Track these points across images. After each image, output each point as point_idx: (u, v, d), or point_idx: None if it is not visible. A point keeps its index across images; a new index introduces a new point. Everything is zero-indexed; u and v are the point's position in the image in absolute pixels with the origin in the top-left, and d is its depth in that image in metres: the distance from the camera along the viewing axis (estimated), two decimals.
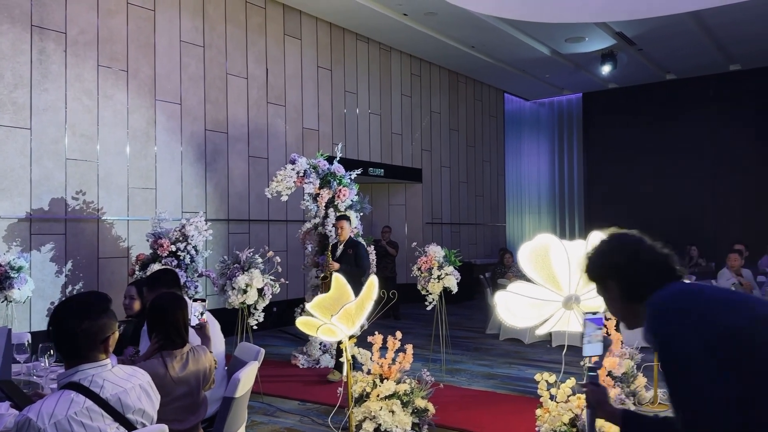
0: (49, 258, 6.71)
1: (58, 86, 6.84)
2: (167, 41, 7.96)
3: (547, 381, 4.14)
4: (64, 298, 2.09)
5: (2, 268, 5.39)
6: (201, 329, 3.08)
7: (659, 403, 5.11)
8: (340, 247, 6.36)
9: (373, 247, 7.07)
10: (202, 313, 3.07)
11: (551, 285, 3.54)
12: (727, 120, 13.81)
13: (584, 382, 2.03)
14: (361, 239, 6.73)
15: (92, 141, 7.13)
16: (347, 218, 6.49)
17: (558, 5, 9.94)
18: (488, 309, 8.92)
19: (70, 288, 6.85)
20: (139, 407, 2.07)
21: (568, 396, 4.04)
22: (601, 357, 2.22)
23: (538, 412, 4.14)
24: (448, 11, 9.74)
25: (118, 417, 1.98)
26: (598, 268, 1.79)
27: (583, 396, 2.20)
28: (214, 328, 3.60)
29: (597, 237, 2.84)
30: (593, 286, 1.89)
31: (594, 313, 2.42)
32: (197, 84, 8.30)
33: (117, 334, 2.11)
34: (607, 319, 5.05)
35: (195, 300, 3.12)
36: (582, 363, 2.19)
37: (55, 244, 6.77)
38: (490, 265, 10.78)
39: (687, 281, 1.74)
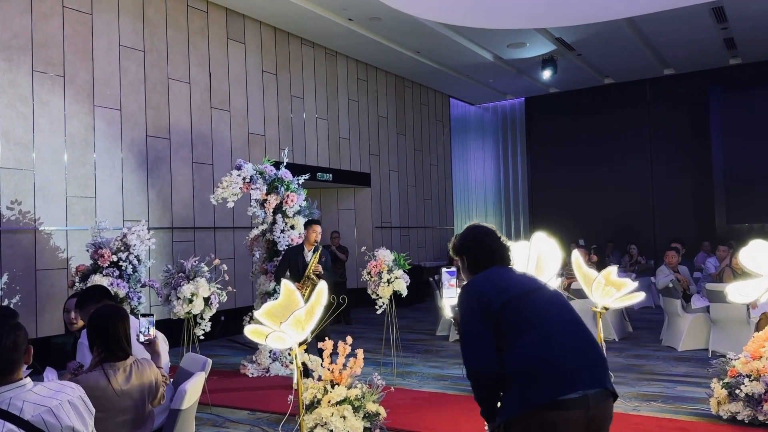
0: None
1: None
2: (106, 45, 7.73)
3: None
4: None
5: None
6: (150, 345, 2.99)
7: None
8: (310, 253, 6.25)
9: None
10: (148, 329, 2.97)
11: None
12: (663, 122, 14.41)
13: (453, 315, 2.74)
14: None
15: (28, 149, 6.85)
16: (318, 222, 6.43)
17: (499, 12, 10.16)
18: (438, 311, 9.01)
19: (6, 302, 6.54)
20: (68, 424, 1.96)
21: None
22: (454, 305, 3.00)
23: None
24: (393, 17, 9.81)
25: None
26: (458, 246, 2.56)
27: None
28: (162, 342, 3.51)
29: (539, 238, 3.13)
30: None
31: (451, 270, 3.40)
32: (137, 89, 8.09)
33: (31, 351, 2.01)
34: None
35: (143, 315, 3.02)
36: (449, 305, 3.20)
37: None
38: (439, 268, 10.90)
39: (503, 267, 2.46)
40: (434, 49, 11.64)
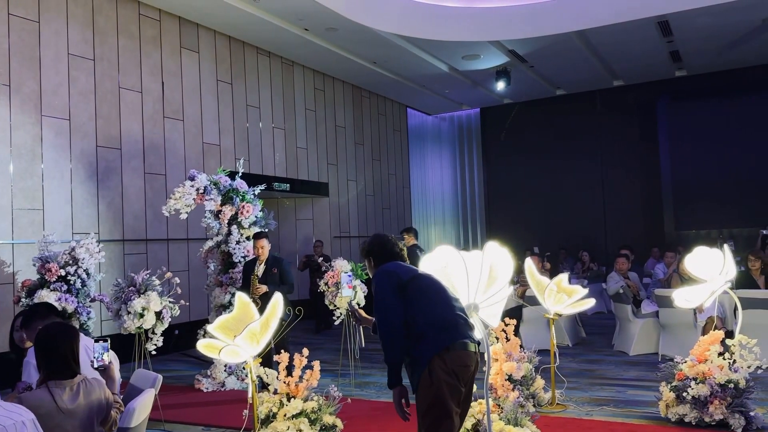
0: None
1: None
2: (54, 54, 7.53)
3: None
4: None
5: None
6: (104, 371, 2.89)
7: (557, 403, 5.36)
8: (261, 267, 6.16)
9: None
10: (102, 354, 2.88)
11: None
12: (614, 131, 14.83)
13: (350, 309, 3.65)
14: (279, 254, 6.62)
15: None
16: (266, 236, 6.32)
17: (454, 24, 10.31)
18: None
19: None
20: None
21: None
22: (352, 296, 3.93)
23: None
24: (349, 27, 9.84)
25: None
26: (366, 250, 3.40)
27: (483, 401, 3.49)
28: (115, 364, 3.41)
29: (492, 247, 3.22)
30: (491, 294, 3.56)
31: (348, 274, 4.11)
32: (87, 98, 7.89)
33: None
34: (506, 324, 5.25)
35: (96, 340, 2.93)
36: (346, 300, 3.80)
37: None
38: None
39: (400, 262, 3.28)
40: (391, 59, 11.72)
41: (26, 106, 7.19)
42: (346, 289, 3.88)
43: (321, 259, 7.30)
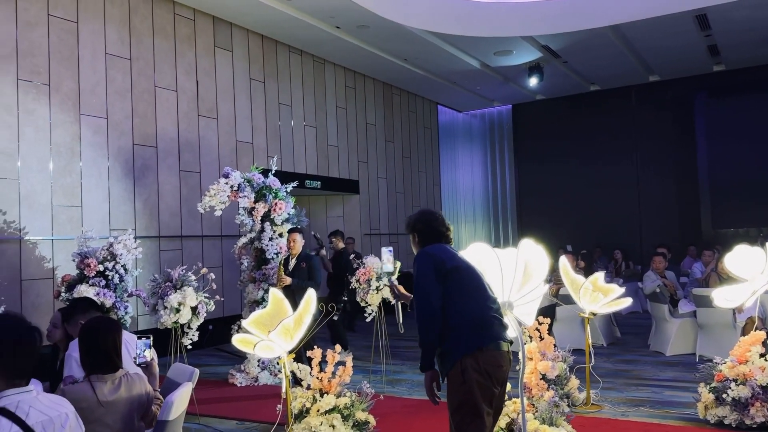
0: None
1: None
2: (91, 54, 7.69)
3: None
4: None
5: None
6: (146, 368, 2.95)
7: (592, 403, 5.28)
8: (293, 261, 6.32)
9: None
10: (144, 351, 2.93)
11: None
12: (649, 128, 14.54)
13: (390, 285, 3.58)
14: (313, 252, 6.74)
15: (12, 158, 6.79)
16: (300, 231, 6.46)
17: (486, 19, 10.22)
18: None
19: None
20: None
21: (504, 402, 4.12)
22: (392, 272, 3.91)
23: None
24: (381, 24, 9.84)
25: None
26: (411, 224, 3.34)
27: (518, 400, 3.39)
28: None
29: (526, 244, 3.19)
30: (525, 292, 3.47)
31: (389, 249, 3.98)
32: (124, 97, 8.04)
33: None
34: (540, 323, 5.20)
35: (139, 337, 2.99)
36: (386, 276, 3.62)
37: None
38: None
39: (446, 244, 3.22)
40: (422, 56, 11.69)
41: (65, 105, 7.36)
42: (387, 264, 3.72)
43: (353, 256, 7.32)
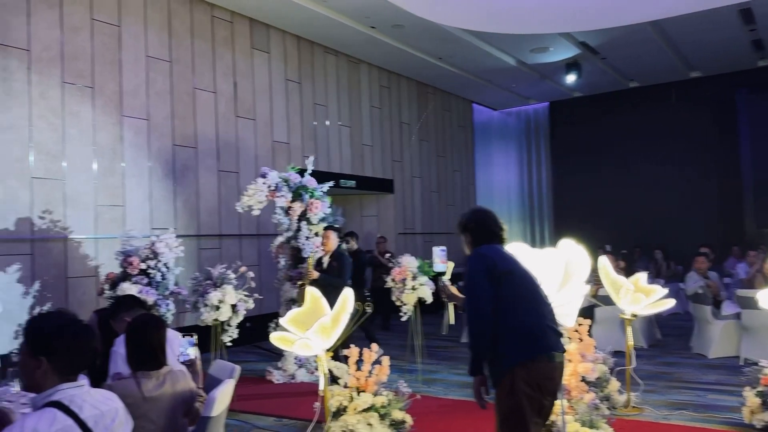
0: (15, 279, 6.54)
1: (21, 104, 6.70)
2: (133, 57, 7.87)
3: None
4: (31, 317, 2.04)
5: None
6: (191, 365, 3.02)
7: (633, 406, 5.19)
8: (326, 258, 6.41)
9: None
10: (189, 349, 3.00)
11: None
12: (690, 125, 14.19)
13: (441, 286, 3.43)
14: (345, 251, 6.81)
15: (58, 159, 7.00)
16: (334, 229, 6.55)
17: (522, 16, 10.12)
18: (462, 318, 8.96)
19: (38, 309, 6.67)
20: (116, 430, 2.03)
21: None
22: (444, 272, 3.58)
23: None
24: (415, 23, 9.84)
25: None
26: (463, 223, 3.17)
27: (558, 403, 3.16)
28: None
29: (567, 244, 3.15)
30: (564, 293, 3.46)
31: (442, 248, 3.80)
32: (164, 99, 8.21)
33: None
34: (580, 324, 5.13)
35: (184, 335, 3.06)
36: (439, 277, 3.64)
37: (21, 264, 6.60)
38: (463, 275, 10.82)
39: (500, 245, 3.07)
40: (457, 54, 11.64)
41: (108, 107, 7.55)
42: (439, 264, 3.60)
43: (388, 255, 7.35)
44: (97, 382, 3.08)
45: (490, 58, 11.86)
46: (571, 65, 12.24)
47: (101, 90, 7.48)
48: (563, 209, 15.78)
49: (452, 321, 3.87)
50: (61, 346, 1.94)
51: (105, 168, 7.46)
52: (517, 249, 3.37)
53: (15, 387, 3.10)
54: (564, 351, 2.95)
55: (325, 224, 6.87)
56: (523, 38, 10.86)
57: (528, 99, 15.53)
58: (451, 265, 3.64)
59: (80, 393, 1.97)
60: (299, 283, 6.26)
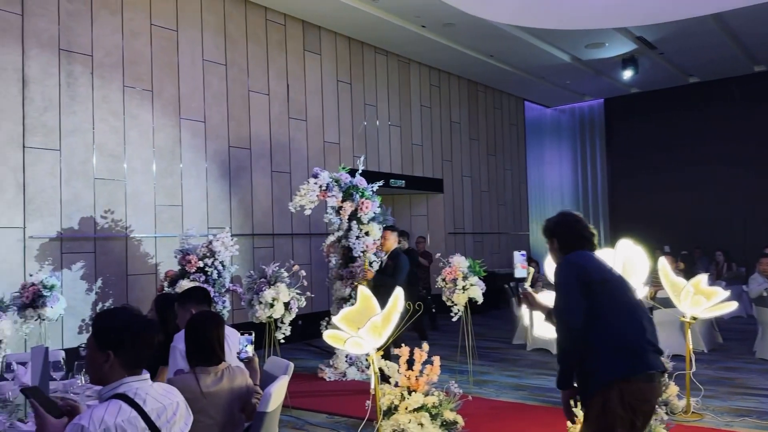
0: (79, 276, 6.83)
1: (85, 108, 6.99)
2: (190, 60, 8.10)
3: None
4: (98, 313, 2.13)
5: (35, 287, 5.50)
6: (249, 363, 3.09)
7: (693, 412, 5.02)
8: (384, 258, 6.45)
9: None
10: (247, 346, 3.07)
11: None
12: (753, 122, 13.59)
13: (522, 293, 3.14)
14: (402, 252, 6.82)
15: (119, 160, 7.27)
16: (392, 229, 6.59)
17: (577, 12, 9.91)
18: (514, 319, 8.86)
19: (100, 305, 6.96)
20: (175, 428, 2.09)
21: None
22: (525, 278, 3.32)
23: (569, 424, 4.09)
24: (466, 21, 9.77)
25: None
26: (550, 228, 2.99)
27: None
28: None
29: (625, 245, 3.08)
30: None
31: (522, 253, 3.51)
32: (220, 102, 8.42)
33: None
34: None
35: (242, 333, 3.13)
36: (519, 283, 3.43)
37: (85, 262, 6.90)
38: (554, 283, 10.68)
39: (590, 251, 2.87)
40: (508, 52, 11.50)
41: (166, 109, 7.80)
42: (519, 269, 3.39)
43: (436, 256, 7.35)
44: (152, 369, 3.19)
45: (544, 55, 11.67)
46: (627, 61, 11.91)
47: (160, 93, 7.73)
48: (619, 208, 15.38)
49: (534, 333, 3.45)
50: (127, 340, 2.02)
51: (164, 169, 7.71)
52: (627, 245, 3.30)
53: (80, 380, 3.23)
54: (665, 371, 2.70)
55: (375, 224, 6.90)
56: (578, 34, 10.64)
57: (582, 96, 15.20)
58: (531, 270, 3.44)
59: (144, 386, 2.04)
60: (355, 284, 6.28)
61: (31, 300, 5.42)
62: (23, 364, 3.50)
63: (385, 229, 6.59)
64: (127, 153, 7.34)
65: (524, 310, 7.48)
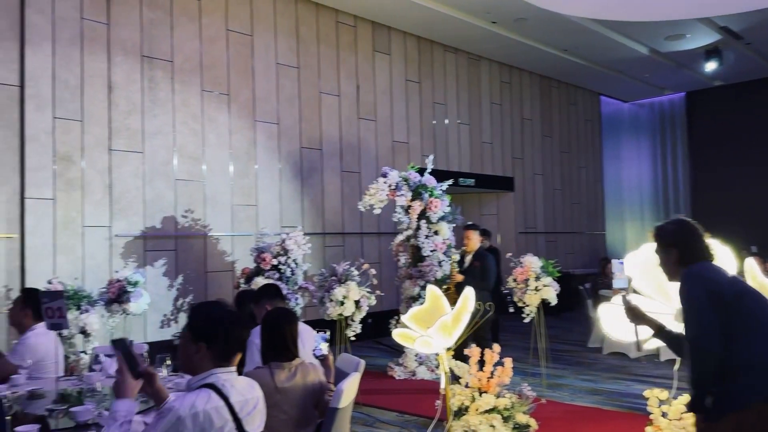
0: (161, 273, 7.16)
1: (166, 111, 7.31)
2: (264, 64, 8.32)
3: (658, 397, 3.94)
4: (194, 306, 2.23)
5: (121, 283, 5.80)
6: (324, 360, 3.14)
7: None
8: (468, 258, 6.39)
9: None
10: (322, 344, 3.12)
11: (661, 297, 3.37)
12: None
13: (626, 305, 2.82)
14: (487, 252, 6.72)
15: (198, 162, 7.56)
16: (476, 228, 6.50)
17: (655, 2, 9.50)
18: (589, 321, 8.60)
19: (180, 301, 7.26)
20: (253, 422, 2.16)
21: (682, 413, 3.82)
22: (627, 288, 3.02)
23: (649, 429, 3.94)
24: (539, 16, 9.56)
25: (238, 424, 2.07)
26: (669, 237, 2.67)
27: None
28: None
29: (716, 245, 2.86)
30: None
31: (620, 261, 3.22)
32: (293, 104, 8.60)
33: None
34: None
35: (317, 331, 3.19)
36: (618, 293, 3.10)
37: (167, 259, 7.21)
38: (590, 276, 10.39)
39: (713, 263, 2.61)
40: (583, 46, 11.17)
41: (242, 112, 8.04)
42: (618, 279, 3.13)
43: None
44: None
45: (621, 48, 11.26)
46: (710, 52, 11.31)
47: (236, 97, 7.98)
48: (702, 207, 14.62)
49: (640, 349, 3.06)
50: (221, 334, 2.11)
51: (240, 170, 7.95)
52: (652, 250, 3.17)
53: (163, 371, 3.38)
54: None
55: (444, 223, 6.86)
56: (657, 25, 10.20)
57: (662, 89, 14.56)
58: (631, 278, 3.12)
59: (230, 379, 2.13)
60: (444, 287, 6.20)
61: (117, 295, 5.72)
62: (110, 356, 3.69)
63: (467, 228, 6.48)
64: (205, 155, 7.62)
65: (600, 313, 7.21)
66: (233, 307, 2.22)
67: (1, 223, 6.09)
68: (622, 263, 3.15)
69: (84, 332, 5.36)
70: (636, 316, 2.79)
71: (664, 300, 3.36)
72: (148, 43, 7.20)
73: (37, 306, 3.73)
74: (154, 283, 7.03)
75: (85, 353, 5.19)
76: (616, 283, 3.19)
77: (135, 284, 5.80)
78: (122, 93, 6.97)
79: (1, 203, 6.10)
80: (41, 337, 3.83)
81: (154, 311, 6.94)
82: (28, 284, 5.85)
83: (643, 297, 3.39)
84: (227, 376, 2.11)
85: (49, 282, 5.51)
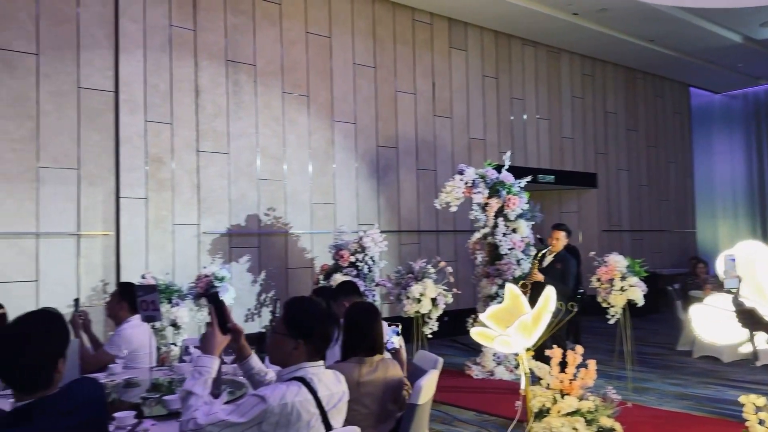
0: (246, 269, 7.42)
1: (249, 114, 7.56)
2: (342, 65, 8.45)
3: (754, 404, 3.70)
4: (290, 301, 2.31)
5: (208, 278, 6.06)
6: (396, 353, 3.17)
7: None
8: (549, 258, 6.25)
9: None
10: (393, 338, 3.16)
11: (758, 297, 3.17)
12: None
13: (739, 308, 2.48)
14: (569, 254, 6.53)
15: (280, 162, 7.78)
16: (564, 228, 6.34)
17: None
18: (678, 323, 8.20)
19: (263, 296, 7.51)
20: (338, 415, 2.21)
21: None
22: (738, 288, 2.62)
23: None
24: (622, 5, 9.20)
25: (324, 417, 2.13)
26: None
27: None
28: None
29: None
30: None
31: (731, 257, 2.78)
32: (369, 103, 8.69)
33: None
34: None
35: (389, 324, 3.22)
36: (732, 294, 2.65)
37: (250, 256, 7.47)
38: (680, 276, 9.90)
39: None
40: (671, 35, 10.65)
41: (321, 113, 8.20)
42: (730, 279, 2.73)
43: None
44: None
45: (711, 36, 10.66)
46: None
47: (315, 98, 8.15)
48: None
49: (758, 358, 2.74)
50: (318, 332, 2.21)
51: (318, 169, 8.12)
52: (750, 248, 2.99)
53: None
54: None
55: (523, 221, 6.73)
56: (751, 11, 9.58)
57: (757, 79, 13.65)
58: (741, 278, 2.74)
59: (318, 373, 2.19)
60: (521, 282, 6.08)
61: (205, 289, 5.98)
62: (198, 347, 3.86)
63: (556, 228, 6.31)
64: (286, 155, 7.83)
65: (691, 315, 6.86)
66: (325, 305, 2.29)
67: (99, 222, 6.51)
68: (734, 260, 2.76)
69: (174, 325, 5.64)
70: (753, 320, 2.46)
71: (761, 301, 3.16)
72: (232, 47, 7.47)
73: (132, 299, 3.93)
74: (239, 279, 7.29)
75: (175, 345, 5.46)
76: (728, 284, 2.80)
77: (222, 279, 6.05)
78: (208, 97, 7.27)
79: (99, 203, 6.51)
80: (136, 329, 4.04)
81: (238, 305, 7.20)
82: (123, 279, 6.22)
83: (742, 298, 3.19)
84: (315, 370, 2.18)
85: (143, 277, 5.84)
